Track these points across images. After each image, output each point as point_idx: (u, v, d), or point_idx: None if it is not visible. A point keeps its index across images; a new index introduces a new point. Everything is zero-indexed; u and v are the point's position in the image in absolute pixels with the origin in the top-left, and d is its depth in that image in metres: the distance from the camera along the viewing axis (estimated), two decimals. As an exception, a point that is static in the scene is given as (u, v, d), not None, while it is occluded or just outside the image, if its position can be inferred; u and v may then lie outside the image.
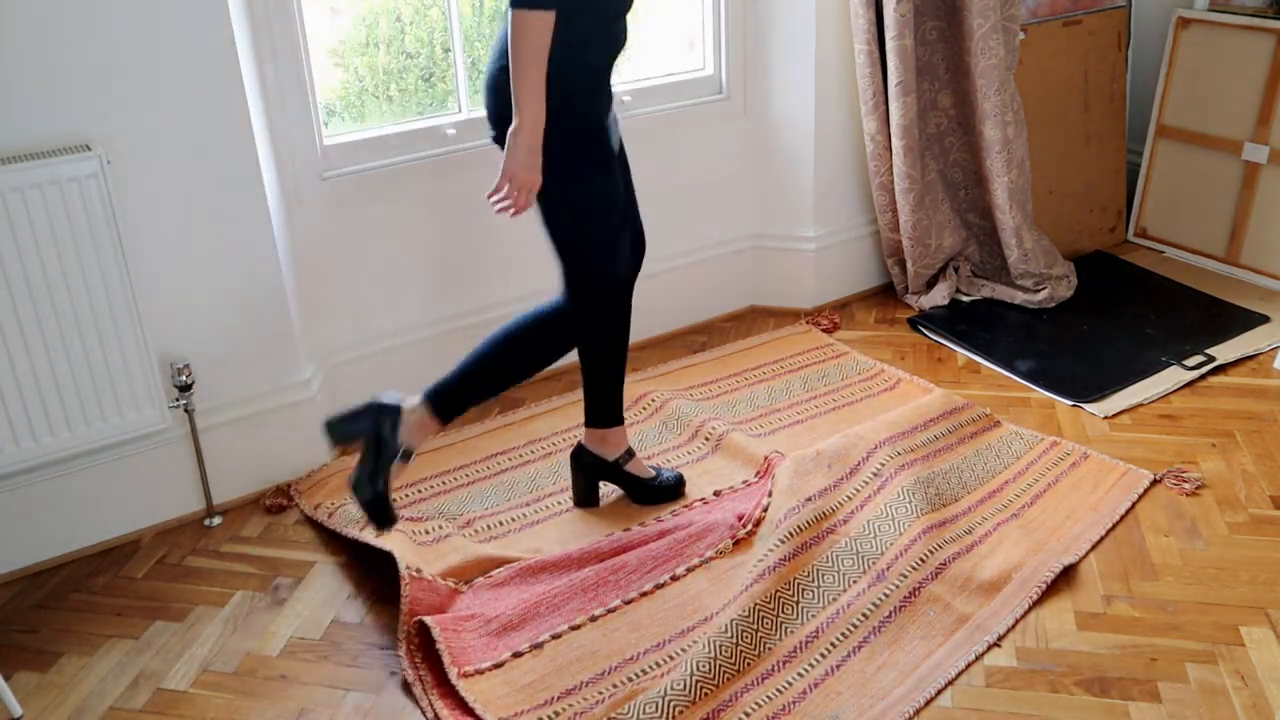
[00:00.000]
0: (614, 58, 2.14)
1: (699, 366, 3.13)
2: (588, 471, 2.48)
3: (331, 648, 2.12)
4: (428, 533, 2.36)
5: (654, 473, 2.52)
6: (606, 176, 2.17)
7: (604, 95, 2.15)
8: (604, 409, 2.42)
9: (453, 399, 2.25)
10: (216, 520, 2.52)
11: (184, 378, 2.40)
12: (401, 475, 2.28)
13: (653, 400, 2.90)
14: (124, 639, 2.16)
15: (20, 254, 2.11)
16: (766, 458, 2.58)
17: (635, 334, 3.24)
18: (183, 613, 2.23)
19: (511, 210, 2.04)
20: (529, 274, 3.00)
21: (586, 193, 2.16)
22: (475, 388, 2.26)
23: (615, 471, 2.48)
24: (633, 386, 2.96)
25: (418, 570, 2.15)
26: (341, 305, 2.75)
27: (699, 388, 3.00)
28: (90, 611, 2.24)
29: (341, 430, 2.23)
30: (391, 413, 2.22)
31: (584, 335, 2.32)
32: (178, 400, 2.41)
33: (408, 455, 2.24)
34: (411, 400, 2.25)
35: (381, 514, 2.21)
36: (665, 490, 2.50)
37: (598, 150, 2.15)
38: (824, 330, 3.33)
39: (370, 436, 2.20)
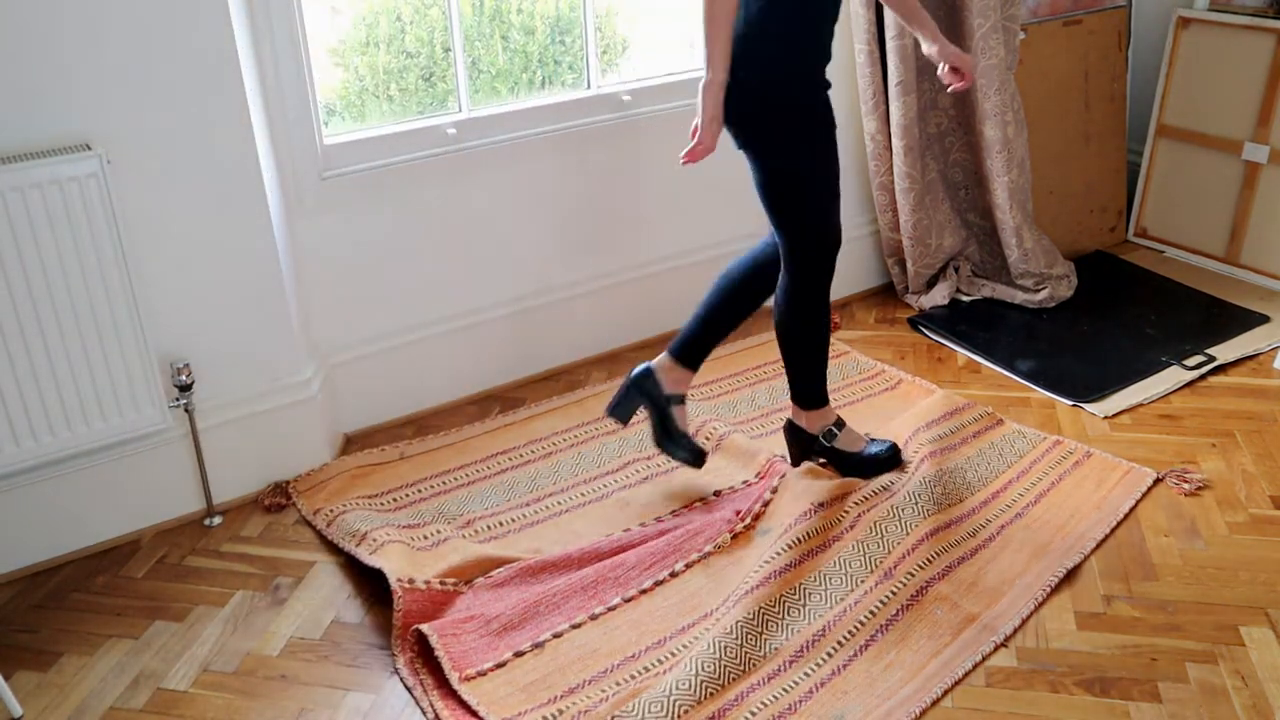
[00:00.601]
0: (828, 32, 2.23)
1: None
2: (801, 445, 2.53)
3: (331, 648, 2.12)
4: (426, 538, 2.36)
5: (863, 444, 2.53)
6: (824, 149, 2.27)
7: (820, 67, 2.25)
8: (806, 390, 2.48)
9: (692, 348, 2.52)
10: (216, 520, 2.52)
11: (184, 378, 2.39)
12: (686, 417, 2.58)
13: (653, 400, 2.89)
14: (124, 639, 2.15)
15: (20, 254, 2.11)
16: (768, 460, 2.58)
17: (636, 334, 3.24)
18: (183, 613, 2.22)
19: (685, 160, 2.18)
20: (530, 273, 3.00)
21: (801, 168, 2.26)
22: (709, 334, 2.52)
23: (819, 447, 2.51)
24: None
25: (410, 580, 2.14)
26: (341, 305, 2.74)
27: (699, 388, 2.99)
28: (90, 611, 2.24)
29: (623, 410, 2.56)
30: (647, 375, 2.53)
31: (791, 304, 2.39)
32: (178, 400, 2.41)
33: (681, 400, 2.54)
34: (660, 359, 2.54)
35: (692, 452, 2.53)
36: (877, 462, 2.50)
37: (812, 128, 2.25)
38: (824, 330, 3.32)
39: (646, 402, 2.54)
